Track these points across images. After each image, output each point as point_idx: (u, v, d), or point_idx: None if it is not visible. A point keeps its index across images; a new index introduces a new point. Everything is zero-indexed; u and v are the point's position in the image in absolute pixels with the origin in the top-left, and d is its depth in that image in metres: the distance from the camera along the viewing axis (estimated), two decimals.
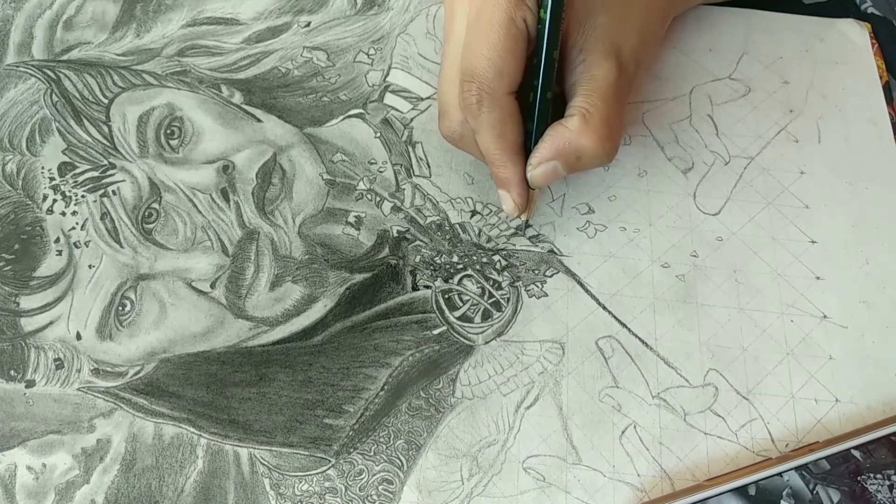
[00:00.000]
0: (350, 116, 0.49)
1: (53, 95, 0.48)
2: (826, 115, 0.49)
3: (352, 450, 0.40)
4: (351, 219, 0.46)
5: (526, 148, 0.41)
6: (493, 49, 0.38)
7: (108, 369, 0.41)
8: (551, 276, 0.44)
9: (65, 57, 0.50)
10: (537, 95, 0.40)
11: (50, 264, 0.43)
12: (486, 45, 0.38)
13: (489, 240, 0.45)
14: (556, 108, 0.41)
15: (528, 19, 0.39)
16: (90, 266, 0.43)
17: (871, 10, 0.53)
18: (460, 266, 0.44)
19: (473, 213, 0.46)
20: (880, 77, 0.50)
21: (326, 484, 0.39)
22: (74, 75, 0.49)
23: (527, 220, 0.45)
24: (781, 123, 0.49)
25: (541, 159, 0.41)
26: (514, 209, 0.43)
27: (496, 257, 0.45)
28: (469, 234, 0.45)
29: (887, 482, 0.37)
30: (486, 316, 0.43)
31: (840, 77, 0.50)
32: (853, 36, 0.52)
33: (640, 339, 0.43)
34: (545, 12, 0.38)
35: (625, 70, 0.41)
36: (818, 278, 0.44)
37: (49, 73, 0.49)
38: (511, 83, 0.39)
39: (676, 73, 0.51)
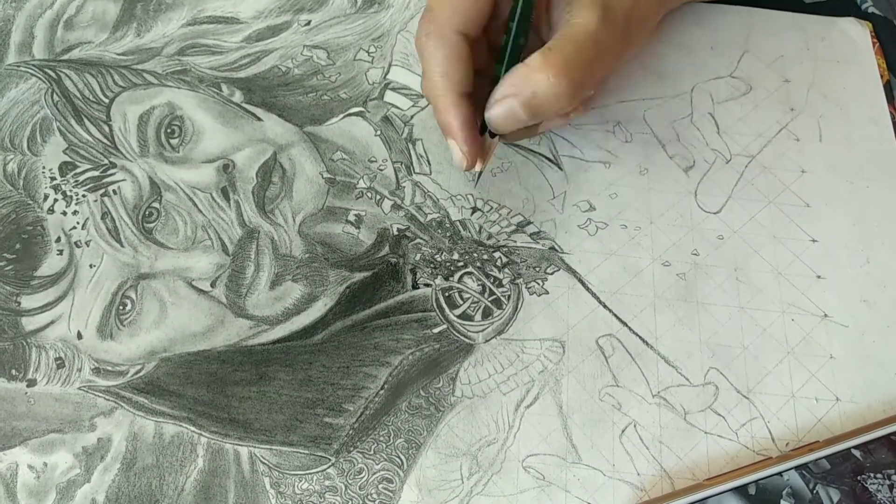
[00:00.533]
0: (350, 114, 0.49)
1: (54, 95, 0.48)
2: (827, 114, 0.49)
3: (352, 448, 0.40)
4: (351, 217, 0.46)
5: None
6: None
7: (109, 368, 0.41)
8: (552, 274, 0.44)
9: (65, 56, 0.50)
10: (510, 39, 0.39)
11: (51, 264, 0.44)
12: None
13: (490, 237, 0.45)
14: None
15: None
16: (91, 265, 0.43)
17: (871, 9, 0.52)
18: (461, 264, 0.44)
19: (474, 210, 0.46)
20: (881, 76, 0.50)
21: (326, 482, 0.39)
22: (75, 75, 0.49)
23: (481, 172, 0.43)
24: (782, 122, 0.49)
25: (498, 97, 0.39)
26: (461, 159, 0.40)
27: (497, 254, 0.44)
28: (469, 232, 0.45)
29: (887, 482, 0.37)
30: (487, 314, 0.43)
31: (841, 76, 0.50)
32: (854, 35, 0.51)
33: (640, 337, 0.42)
34: None
35: (610, 22, 0.39)
36: (819, 277, 0.44)
37: (50, 72, 0.49)
38: (463, 22, 0.39)
39: (678, 71, 0.50)
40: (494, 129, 0.40)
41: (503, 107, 0.38)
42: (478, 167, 0.41)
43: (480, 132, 0.41)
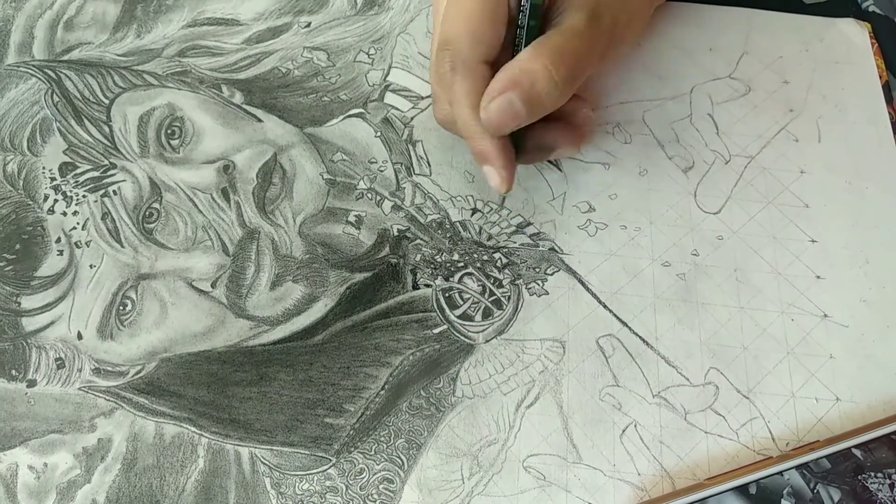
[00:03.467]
0: (350, 116, 0.49)
1: (54, 95, 0.48)
2: (826, 115, 0.49)
3: (352, 449, 0.40)
4: (351, 218, 0.46)
5: None
6: (469, 16, 0.38)
7: (109, 369, 0.41)
8: (552, 275, 0.44)
9: (65, 57, 0.50)
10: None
11: (51, 264, 0.44)
12: (462, 12, 0.38)
13: (490, 238, 0.45)
14: None
15: None
16: (91, 266, 0.43)
17: (872, 8, 0.53)
18: (461, 264, 0.44)
19: (474, 211, 0.46)
20: (880, 77, 0.50)
21: (327, 483, 0.39)
22: (75, 75, 0.49)
23: (505, 196, 0.44)
24: (781, 123, 0.49)
25: (493, 92, 0.38)
26: (500, 183, 0.40)
27: (497, 255, 0.45)
28: (470, 233, 0.45)
29: (888, 481, 0.37)
30: (487, 314, 0.43)
31: (840, 77, 0.50)
32: (853, 35, 0.52)
33: (640, 337, 0.43)
34: None
35: (597, 20, 0.39)
36: (818, 277, 0.44)
37: (50, 73, 0.49)
38: (487, 51, 0.39)
39: (677, 73, 0.51)
40: (489, 128, 0.39)
41: (502, 101, 0.37)
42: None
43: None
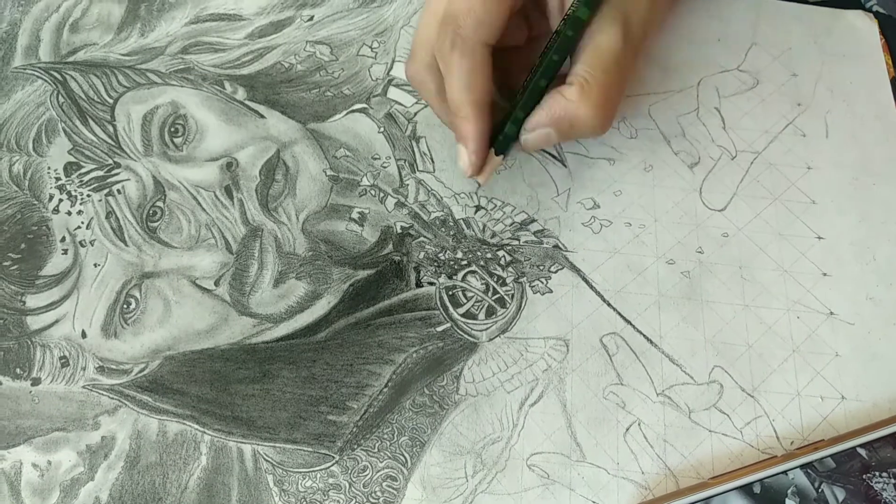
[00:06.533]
0: (353, 111, 0.49)
1: (59, 97, 0.49)
2: (834, 110, 0.48)
3: (356, 446, 0.40)
4: (354, 215, 0.46)
5: (522, 106, 0.41)
6: None
7: (113, 367, 0.41)
8: (556, 272, 0.44)
9: (71, 59, 0.50)
10: (548, 58, 0.40)
11: (56, 263, 0.44)
12: None
13: (493, 235, 0.45)
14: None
15: None
16: (95, 265, 0.44)
17: (875, 8, 0.52)
18: (464, 262, 0.44)
19: (478, 208, 0.46)
20: (888, 72, 0.49)
21: (330, 480, 0.39)
22: (80, 76, 0.49)
23: (480, 185, 0.44)
24: (789, 117, 0.48)
25: (535, 125, 0.40)
26: (468, 168, 0.41)
27: (500, 253, 0.44)
28: (473, 230, 0.45)
29: (893, 480, 0.37)
30: (491, 312, 0.43)
31: (848, 71, 0.50)
32: (862, 28, 0.51)
33: (644, 336, 0.42)
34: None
35: (630, 39, 0.40)
36: (825, 275, 0.44)
37: (55, 74, 0.49)
38: (489, 33, 0.39)
39: (684, 64, 0.50)
40: (525, 148, 0.41)
41: (540, 133, 0.40)
42: (480, 180, 0.43)
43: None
